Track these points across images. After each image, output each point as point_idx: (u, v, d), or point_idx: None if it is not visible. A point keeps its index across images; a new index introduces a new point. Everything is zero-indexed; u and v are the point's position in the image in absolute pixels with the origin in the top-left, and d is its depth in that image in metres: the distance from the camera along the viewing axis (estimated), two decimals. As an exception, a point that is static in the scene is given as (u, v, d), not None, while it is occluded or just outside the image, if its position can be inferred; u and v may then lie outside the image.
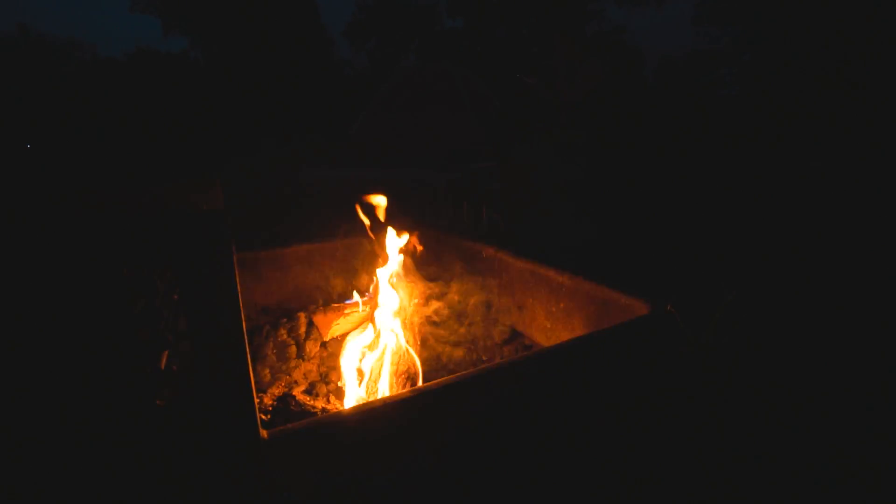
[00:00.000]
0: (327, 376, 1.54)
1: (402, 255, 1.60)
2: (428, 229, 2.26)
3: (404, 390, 1.27)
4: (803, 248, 2.75)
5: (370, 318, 1.60)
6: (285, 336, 1.67)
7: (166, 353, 0.80)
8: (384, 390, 1.35)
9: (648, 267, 2.36)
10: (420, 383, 1.40)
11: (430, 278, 1.99)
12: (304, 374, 1.54)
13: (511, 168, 6.17)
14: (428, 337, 1.66)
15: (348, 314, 1.75)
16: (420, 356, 1.49)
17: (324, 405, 1.37)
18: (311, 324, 1.71)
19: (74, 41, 26.29)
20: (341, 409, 1.35)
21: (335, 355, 1.60)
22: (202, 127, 16.22)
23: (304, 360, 1.59)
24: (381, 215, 1.54)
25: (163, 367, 0.78)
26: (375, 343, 1.46)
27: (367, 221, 1.54)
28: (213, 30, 22.82)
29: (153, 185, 0.74)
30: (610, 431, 1.23)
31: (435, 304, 1.78)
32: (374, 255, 1.63)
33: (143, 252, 0.72)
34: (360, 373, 1.43)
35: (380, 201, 1.53)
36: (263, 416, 1.29)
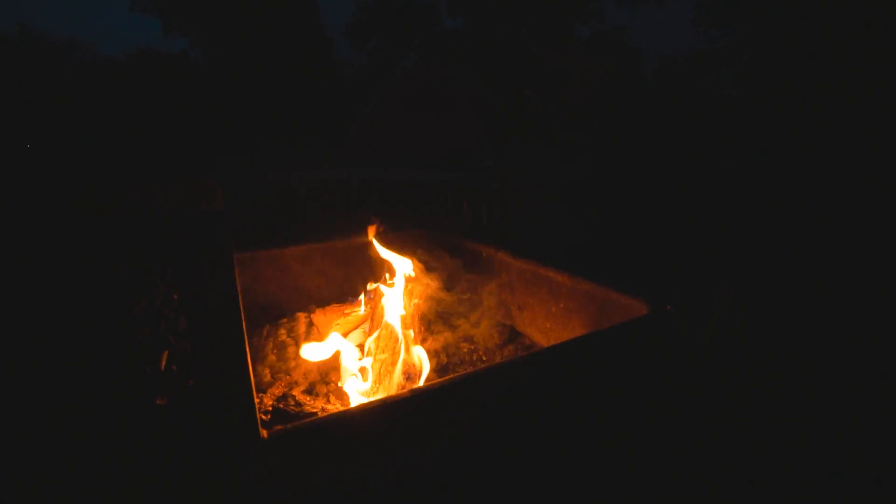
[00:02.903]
0: (327, 376, 1.54)
1: (408, 259, 1.62)
2: (427, 230, 2.26)
3: (404, 390, 1.27)
4: (803, 247, 2.75)
5: (370, 318, 1.60)
6: (285, 336, 1.67)
7: (166, 353, 0.80)
8: (384, 390, 1.35)
9: (648, 267, 2.36)
10: (420, 383, 1.40)
11: (429, 279, 2.00)
12: (304, 374, 1.54)
13: (511, 168, 6.18)
14: (427, 337, 1.66)
15: (348, 314, 1.75)
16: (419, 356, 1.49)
17: (324, 405, 1.37)
18: (311, 324, 1.71)
19: (74, 41, 26.30)
20: (341, 409, 1.35)
21: (335, 355, 1.60)
22: (202, 127, 16.23)
23: (304, 360, 1.59)
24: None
25: (163, 367, 0.78)
26: (376, 343, 1.46)
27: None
28: (213, 30, 22.81)
29: (153, 185, 0.75)
30: (610, 431, 1.23)
31: (434, 305, 1.77)
32: (377, 259, 1.64)
33: (144, 252, 0.73)
34: (361, 372, 1.43)
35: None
36: (263, 416, 1.29)
